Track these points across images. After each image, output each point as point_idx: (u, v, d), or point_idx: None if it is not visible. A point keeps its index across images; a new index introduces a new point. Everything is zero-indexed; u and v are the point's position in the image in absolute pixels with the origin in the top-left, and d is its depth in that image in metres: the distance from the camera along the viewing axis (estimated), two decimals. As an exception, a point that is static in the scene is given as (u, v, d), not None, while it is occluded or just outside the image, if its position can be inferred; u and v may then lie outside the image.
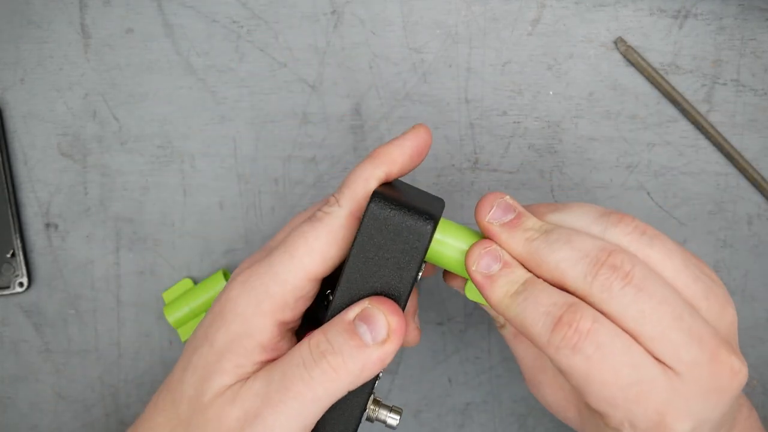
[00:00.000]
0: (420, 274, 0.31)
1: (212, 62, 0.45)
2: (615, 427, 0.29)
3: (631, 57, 0.44)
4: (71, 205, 0.46)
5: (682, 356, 0.27)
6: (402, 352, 0.46)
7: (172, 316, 0.44)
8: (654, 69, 0.44)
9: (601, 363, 0.27)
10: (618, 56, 0.44)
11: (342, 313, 0.31)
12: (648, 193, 0.45)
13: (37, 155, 0.45)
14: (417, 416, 0.47)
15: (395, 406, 0.34)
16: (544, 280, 0.29)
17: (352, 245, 0.31)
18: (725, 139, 0.44)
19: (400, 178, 0.34)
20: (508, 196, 0.31)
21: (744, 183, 0.45)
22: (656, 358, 0.28)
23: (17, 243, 0.45)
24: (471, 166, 0.45)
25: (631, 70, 0.44)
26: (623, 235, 0.29)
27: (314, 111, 0.45)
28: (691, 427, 0.28)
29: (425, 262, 0.32)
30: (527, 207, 0.32)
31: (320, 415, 0.30)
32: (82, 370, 0.47)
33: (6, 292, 0.45)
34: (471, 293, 0.33)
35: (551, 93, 0.45)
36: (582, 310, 0.28)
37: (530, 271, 0.30)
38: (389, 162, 0.32)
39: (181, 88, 0.45)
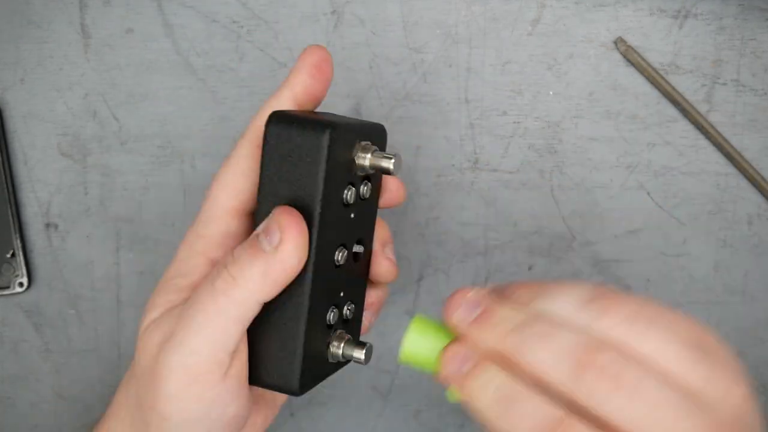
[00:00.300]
0: (349, 193, 0.32)
1: (212, 62, 0.45)
2: None
3: (631, 57, 0.44)
4: (71, 205, 0.46)
5: None
6: (402, 352, 0.46)
7: None
8: (654, 69, 0.44)
9: (635, 401, 0.25)
10: (618, 56, 0.44)
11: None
12: (648, 193, 0.45)
13: (37, 155, 0.45)
14: (417, 416, 0.47)
15: (362, 341, 0.35)
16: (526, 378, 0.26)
17: (260, 168, 0.31)
18: (725, 139, 0.44)
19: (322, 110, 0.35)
20: (472, 292, 0.29)
21: (744, 183, 0.45)
22: None
23: (17, 243, 0.45)
24: (471, 166, 0.45)
25: (631, 70, 0.44)
26: (612, 327, 0.26)
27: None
28: None
29: (360, 187, 0.33)
30: (507, 288, 0.29)
31: (233, 330, 0.30)
32: (82, 370, 0.47)
33: (6, 292, 0.45)
34: (452, 396, 0.29)
35: (551, 93, 0.45)
36: (571, 429, 0.25)
37: (507, 365, 0.27)
38: (289, 88, 0.33)
39: (181, 88, 0.45)
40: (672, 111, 0.45)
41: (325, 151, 0.30)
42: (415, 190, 0.45)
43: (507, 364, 0.27)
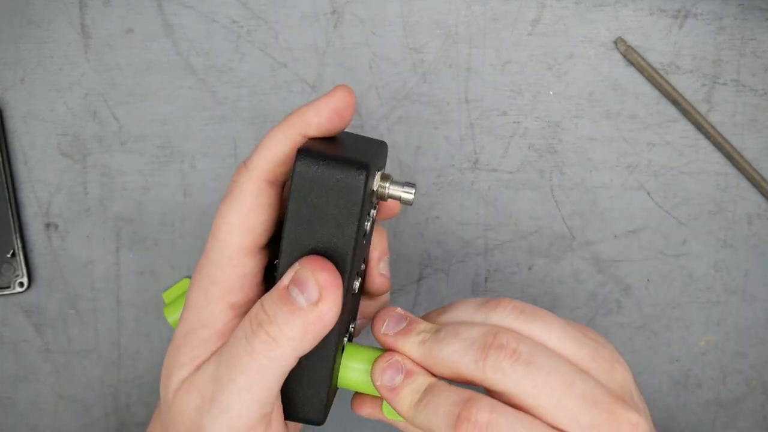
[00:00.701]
0: (368, 224, 0.31)
1: (212, 62, 0.45)
2: None
3: (631, 57, 0.44)
4: (71, 205, 0.46)
5: (580, 421, 0.28)
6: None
7: (172, 317, 0.44)
8: (654, 69, 0.44)
9: None
10: (618, 56, 0.44)
11: (280, 280, 0.30)
12: (648, 193, 0.45)
13: (37, 155, 0.45)
14: (417, 416, 0.47)
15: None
16: (445, 378, 0.31)
17: (286, 209, 0.29)
18: (725, 139, 0.44)
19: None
20: (398, 309, 0.33)
21: (744, 183, 0.45)
22: (558, 428, 0.28)
23: (17, 243, 0.45)
24: (471, 166, 0.45)
25: (631, 70, 0.44)
26: (503, 318, 0.31)
27: (314, 111, 0.45)
28: None
29: (371, 214, 0.32)
30: (422, 316, 0.34)
31: (275, 386, 0.30)
32: (82, 370, 0.47)
33: (6, 292, 0.45)
34: (388, 412, 0.33)
35: (551, 93, 0.45)
36: (478, 403, 0.29)
37: (430, 371, 0.31)
38: (303, 124, 0.31)
39: (181, 88, 0.45)
40: (672, 111, 0.45)
41: (361, 193, 0.29)
42: (415, 190, 0.45)
43: (428, 368, 0.31)
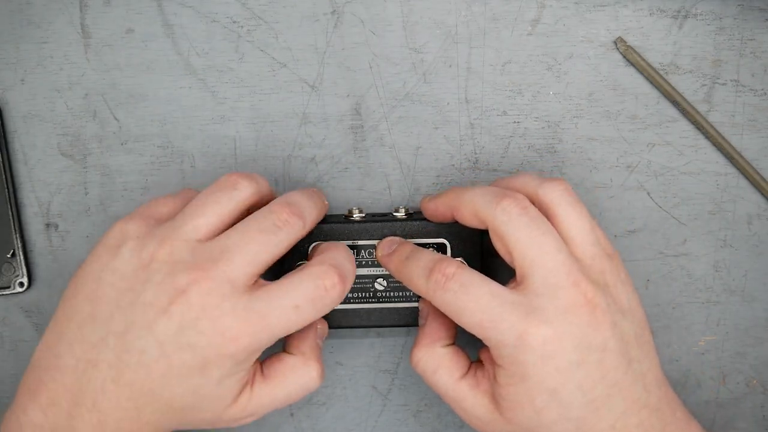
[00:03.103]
0: None
1: (212, 62, 0.45)
2: (496, 354, 0.35)
3: (631, 57, 0.44)
4: (71, 205, 0.46)
5: (547, 279, 0.34)
6: (403, 353, 0.46)
7: None
8: (654, 69, 0.44)
9: (465, 296, 0.34)
10: (618, 56, 0.44)
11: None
12: (648, 193, 0.45)
13: (37, 155, 0.45)
14: (417, 416, 0.47)
15: None
16: (463, 220, 0.38)
17: None
18: (725, 139, 0.44)
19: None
20: (397, 238, 0.41)
21: (744, 183, 0.45)
22: (523, 281, 0.35)
23: (17, 243, 0.45)
24: (471, 166, 0.45)
25: (631, 70, 0.44)
26: (551, 190, 0.37)
27: (314, 111, 0.45)
28: (551, 333, 0.33)
29: None
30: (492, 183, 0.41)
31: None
32: (82, 370, 0.46)
33: (6, 292, 0.45)
34: None
35: (551, 93, 0.45)
36: (447, 261, 0.35)
37: (403, 283, 0.38)
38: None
39: (181, 88, 0.45)
40: (672, 111, 0.45)
41: None
42: (415, 190, 0.45)
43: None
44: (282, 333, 0.34)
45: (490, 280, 0.35)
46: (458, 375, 0.38)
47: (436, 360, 0.38)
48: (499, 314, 0.34)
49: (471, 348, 0.39)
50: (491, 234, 0.36)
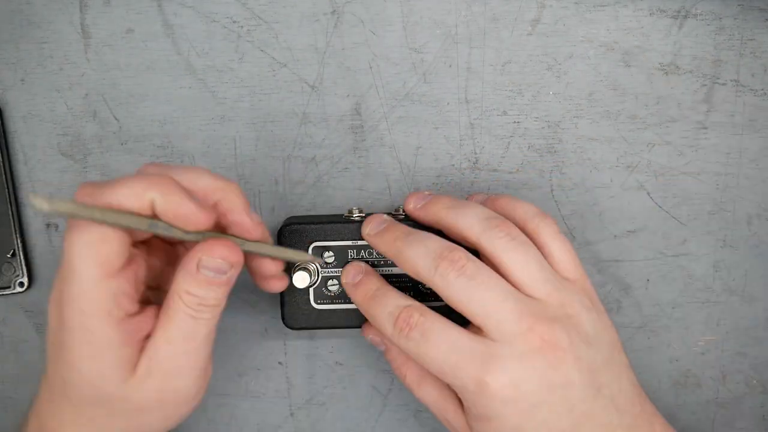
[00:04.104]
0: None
1: (212, 62, 0.45)
2: (461, 397, 0.36)
3: (631, 57, 0.44)
4: (71, 205, 0.46)
5: (503, 328, 0.34)
6: (402, 352, 0.46)
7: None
8: (654, 69, 0.44)
9: (426, 344, 0.35)
10: (618, 56, 0.44)
11: None
12: (648, 193, 0.45)
13: (37, 155, 0.45)
14: (417, 416, 0.47)
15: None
16: (407, 273, 0.37)
17: None
18: (725, 139, 0.44)
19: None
20: (384, 215, 0.40)
21: (744, 183, 0.45)
22: (482, 332, 0.35)
23: (17, 243, 0.45)
24: (471, 166, 0.45)
25: (631, 70, 0.44)
26: (495, 238, 0.36)
27: (314, 111, 0.45)
28: (508, 381, 0.34)
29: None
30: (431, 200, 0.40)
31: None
32: (82, 370, 0.47)
33: (6, 292, 0.45)
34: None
35: (551, 93, 0.45)
36: (412, 309, 0.36)
37: (397, 264, 0.38)
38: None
39: (181, 88, 0.45)
40: (672, 111, 0.45)
41: None
42: (415, 190, 0.45)
43: (394, 261, 0.38)
44: None
45: (453, 325, 0.35)
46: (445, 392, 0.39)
47: (421, 377, 0.40)
48: (457, 363, 0.35)
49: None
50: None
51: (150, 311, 0.35)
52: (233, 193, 0.35)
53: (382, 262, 0.42)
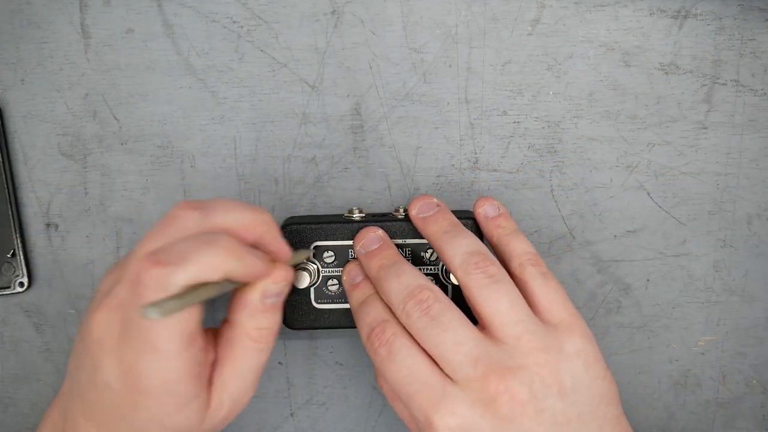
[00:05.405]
0: None
1: (212, 62, 0.45)
2: (416, 425, 0.36)
3: (631, 57, 0.44)
4: (71, 205, 0.46)
5: (458, 372, 0.34)
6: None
7: None
8: (654, 69, 0.44)
9: (389, 363, 0.35)
10: (618, 56, 0.44)
11: None
12: (648, 193, 0.45)
13: (37, 155, 0.45)
14: (417, 416, 0.47)
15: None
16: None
17: None
18: (725, 139, 0.44)
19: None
20: (380, 231, 0.41)
21: (744, 183, 0.45)
22: (441, 369, 0.35)
23: (17, 243, 0.45)
24: (471, 166, 0.45)
25: (631, 70, 0.44)
26: (472, 275, 0.36)
27: (314, 111, 0.45)
28: (455, 425, 0.34)
29: None
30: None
31: None
32: (82, 370, 0.47)
33: (6, 292, 0.45)
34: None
35: (551, 93, 0.45)
36: (388, 326, 0.36)
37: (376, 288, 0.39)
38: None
39: (181, 88, 0.45)
40: (672, 111, 0.45)
41: None
42: (415, 190, 0.45)
43: (375, 286, 0.39)
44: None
45: (418, 352, 0.35)
46: None
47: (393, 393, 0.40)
48: (413, 392, 0.35)
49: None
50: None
51: (209, 339, 0.36)
52: (270, 224, 0.36)
53: None
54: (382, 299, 0.38)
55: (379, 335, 0.36)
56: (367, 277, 0.40)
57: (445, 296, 0.36)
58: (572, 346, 0.35)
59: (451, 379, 0.34)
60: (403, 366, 0.35)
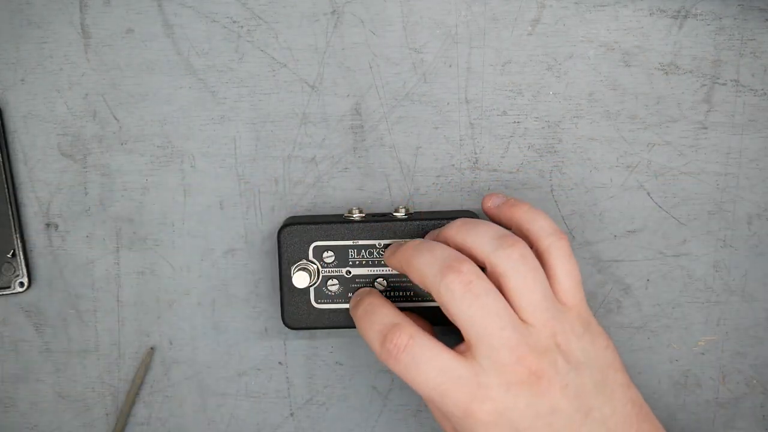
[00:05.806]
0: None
1: (212, 62, 0.45)
2: (449, 419, 0.36)
3: (631, 57, 0.44)
4: (71, 205, 0.46)
5: (493, 358, 0.35)
6: (402, 352, 0.46)
7: None
8: (654, 69, 0.44)
9: (416, 369, 0.35)
10: (618, 56, 0.44)
11: None
12: (648, 193, 0.45)
13: (37, 155, 0.45)
14: (417, 416, 0.47)
15: None
16: (416, 283, 0.37)
17: None
18: (725, 139, 0.44)
19: None
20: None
21: (744, 183, 0.45)
22: (470, 350, 0.35)
23: (17, 243, 0.45)
24: (471, 166, 0.45)
25: (631, 70, 0.44)
26: (506, 258, 0.36)
27: (314, 111, 0.45)
28: (493, 409, 0.34)
29: None
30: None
31: None
32: (82, 370, 0.47)
33: (6, 292, 0.45)
34: None
35: (551, 93, 0.45)
36: (401, 329, 0.36)
37: (408, 275, 0.38)
38: None
39: (181, 88, 0.45)
40: (672, 111, 0.45)
41: None
42: (415, 190, 0.45)
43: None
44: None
45: (441, 349, 0.35)
46: None
47: None
48: (446, 390, 0.35)
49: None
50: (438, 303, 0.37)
51: None
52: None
53: (383, 262, 0.42)
54: (384, 304, 0.38)
55: (394, 341, 0.35)
56: (370, 292, 0.40)
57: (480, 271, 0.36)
58: (580, 326, 0.37)
59: (480, 363, 0.35)
60: (432, 367, 0.35)
